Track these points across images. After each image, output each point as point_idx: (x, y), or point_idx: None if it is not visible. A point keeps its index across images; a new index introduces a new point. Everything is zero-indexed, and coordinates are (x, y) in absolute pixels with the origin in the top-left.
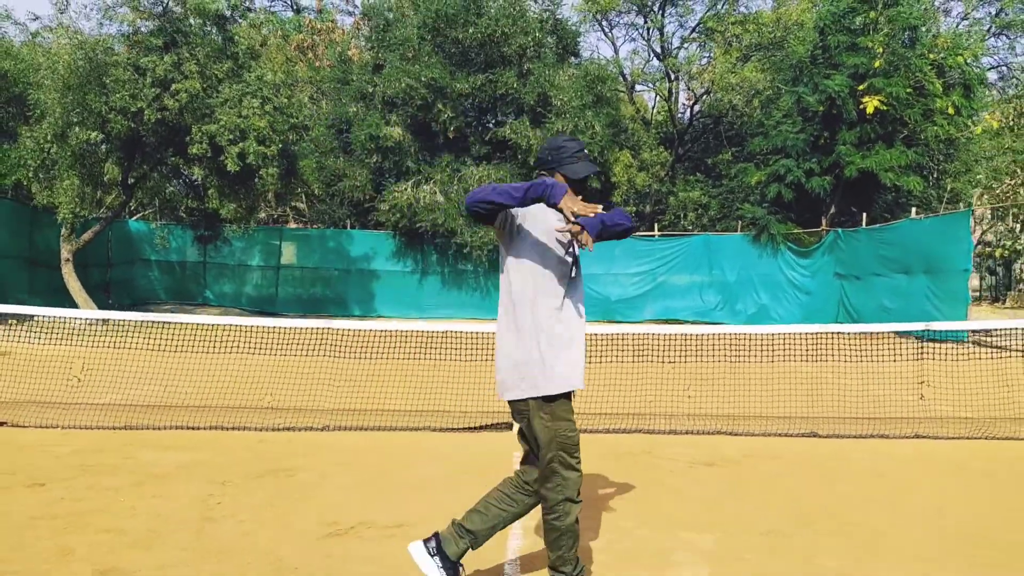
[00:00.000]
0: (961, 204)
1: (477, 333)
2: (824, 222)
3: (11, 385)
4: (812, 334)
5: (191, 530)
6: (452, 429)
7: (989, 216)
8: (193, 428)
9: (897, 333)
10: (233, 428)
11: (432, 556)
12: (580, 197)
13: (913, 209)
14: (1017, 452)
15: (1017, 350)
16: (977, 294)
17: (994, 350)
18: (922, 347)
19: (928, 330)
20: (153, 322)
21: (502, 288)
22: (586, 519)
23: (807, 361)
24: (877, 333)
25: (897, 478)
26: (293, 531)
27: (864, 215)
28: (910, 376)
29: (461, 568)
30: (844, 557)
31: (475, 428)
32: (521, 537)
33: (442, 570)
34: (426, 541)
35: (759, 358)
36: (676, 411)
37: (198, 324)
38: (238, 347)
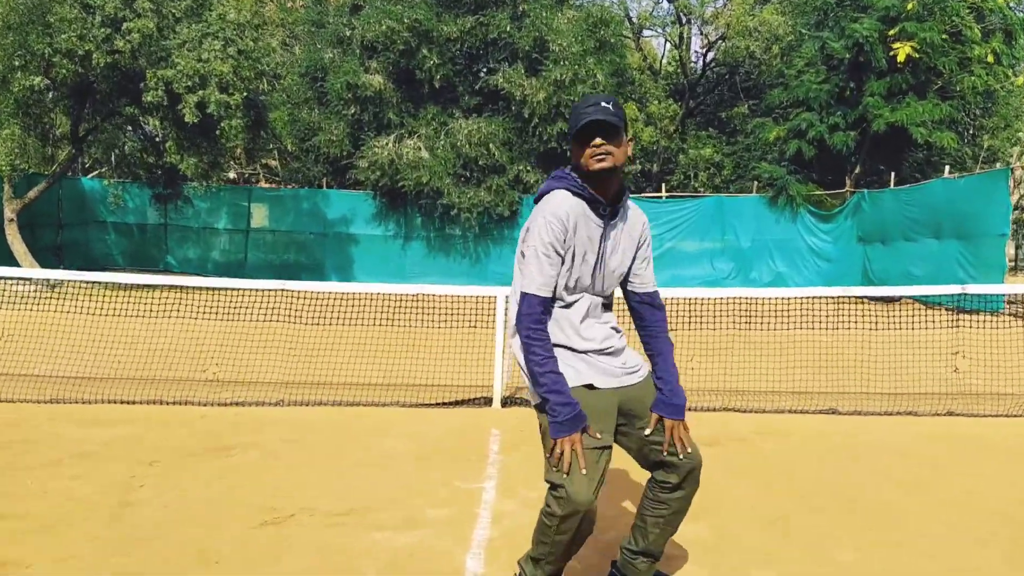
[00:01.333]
0: (999, 163)
1: (455, 297)
2: (848, 183)
3: None
4: (832, 298)
5: (105, 516)
6: (424, 404)
7: None
8: (128, 402)
9: (925, 302)
10: (173, 403)
11: None
12: (597, 148)
13: (947, 168)
14: None
15: None
16: (1013, 263)
17: None
18: (957, 317)
19: (964, 293)
20: (91, 283)
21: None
22: None
23: (827, 329)
24: (904, 299)
25: (923, 457)
26: (223, 518)
27: (892, 175)
28: (942, 347)
29: None
30: (859, 547)
31: (450, 403)
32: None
33: None
34: None
35: (772, 325)
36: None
37: (142, 285)
38: (185, 312)
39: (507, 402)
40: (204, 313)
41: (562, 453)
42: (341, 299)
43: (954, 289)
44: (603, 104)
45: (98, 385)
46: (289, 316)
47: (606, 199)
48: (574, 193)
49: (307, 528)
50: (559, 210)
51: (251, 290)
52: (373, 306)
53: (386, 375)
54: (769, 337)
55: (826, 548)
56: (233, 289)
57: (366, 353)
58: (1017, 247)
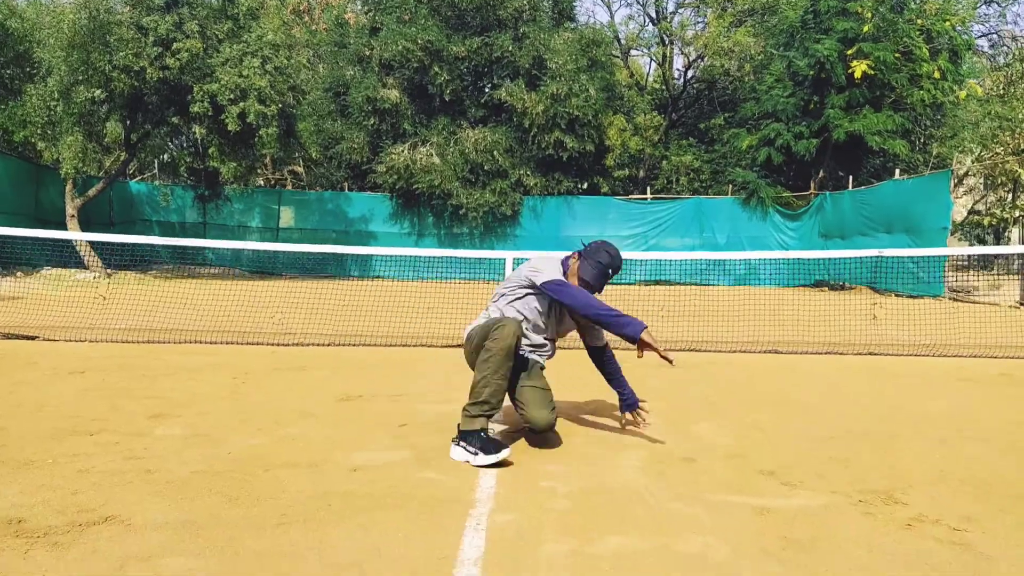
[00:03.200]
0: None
1: (471, 259)
2: (813, 186)
3: (34, 316)
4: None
5: (225, 397)
6: (450, 345)
7: (982, 187)
8: (211, 343)
9: (877, 288)
10: (247, 343)
11: (457, 445)
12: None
13: (896, 171)
14: (953, 364)
15: (992, 303)
16: (966, 262)
17: (971, 304)
18: (899, 301)
19: (881, 256)
20: (143, 271)
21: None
22: (563, 408)
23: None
24: (858, 286)
25: (837, 379)
26: (312, 398)
27: (851, 178)
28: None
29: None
30: (774, 420)
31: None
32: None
33: (469, 449)
34: (454, 441)
35: (728, 297)
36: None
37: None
38: (227, 289)
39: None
40: (248, 288)
41: None
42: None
43: (872, 252)
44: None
45: (181, 334)
46: (326, 290)
47: None
48: None
49: (373, 402)
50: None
51: (289, 271)
52: (397, 288)
53: (415, 330)
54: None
55: (749, 416)
56: (283, 253)
57: (398, 315)
58: (971, 247)
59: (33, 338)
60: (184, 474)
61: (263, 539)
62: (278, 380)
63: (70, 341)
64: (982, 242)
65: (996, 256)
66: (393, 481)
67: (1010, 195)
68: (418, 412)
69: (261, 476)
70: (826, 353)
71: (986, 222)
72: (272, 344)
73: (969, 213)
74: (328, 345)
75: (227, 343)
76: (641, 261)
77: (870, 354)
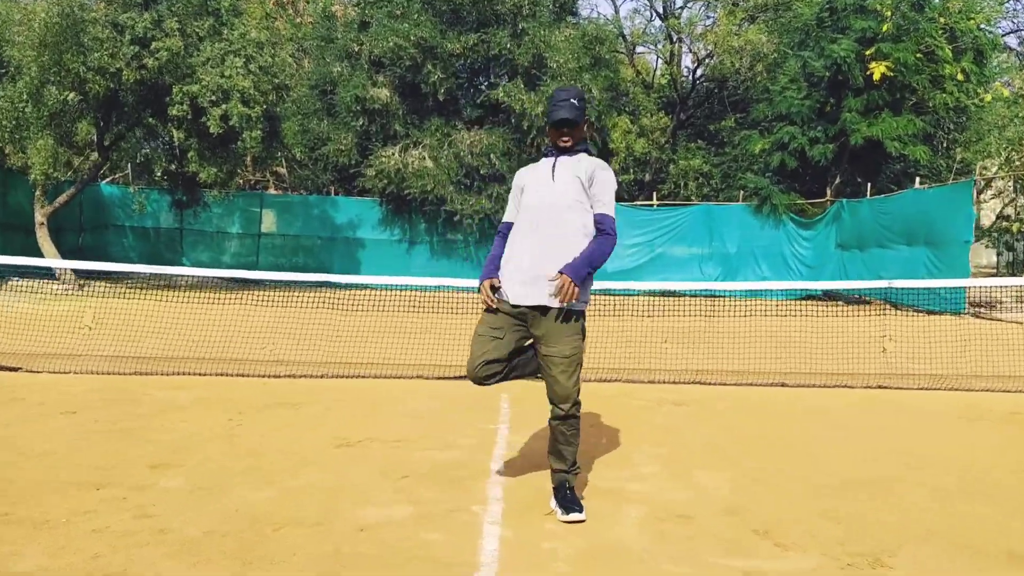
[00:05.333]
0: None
1: (461, 289)
2: (829, 193)
3: (11, 340)
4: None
5: (223, 440)
6: (444, 377)
7: (1011, 190)
8: (200, 374)
9: (895, 303)
10: (238, 375)
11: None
12: (564, 138)
13: (917, 179)
14: (964, 400)
15: (1016, 321)
16: (994, 270)
17: (992, 321)
18: (915, 316)
19: (891, 287)
20: (115, 280)
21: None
22: None
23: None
24: (876, 300)
25: (842, 416)
26: (309, 443)
27: (869, 185)
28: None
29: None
30: (774, 467)
31: (465, 377)
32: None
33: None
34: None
35: (734, 315)
36: (656, 366)
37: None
38: (208, 304)
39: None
40: (223, 304)
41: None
42: (363, 295)
43: (882, 284)
44: (571, 101)
45: (170, 363)
46: (311, 305)
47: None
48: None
49: (372, 449)
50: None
51: (265, 285)
52: (388, 299)
53: (408, 357)
54: (731, 325)
55: (751, 463)
56: (249, 282)
57: (390, 339)
58: (999, 254)
59: (16, 369)
60: (196, 534)
61: None
62: (273, 420)
63: (54, 373)
64: (1010, 249)
65: None
66: (399, 542)
67: None
68: (418, 461)
69: (271, 536)
70: (834, 387)
71: (1015, 228)
72: (263, 376)
73: (997, 218)
74: (321, 377)
75: (216, 374)
76: (647, 277)
77: (879, 387)
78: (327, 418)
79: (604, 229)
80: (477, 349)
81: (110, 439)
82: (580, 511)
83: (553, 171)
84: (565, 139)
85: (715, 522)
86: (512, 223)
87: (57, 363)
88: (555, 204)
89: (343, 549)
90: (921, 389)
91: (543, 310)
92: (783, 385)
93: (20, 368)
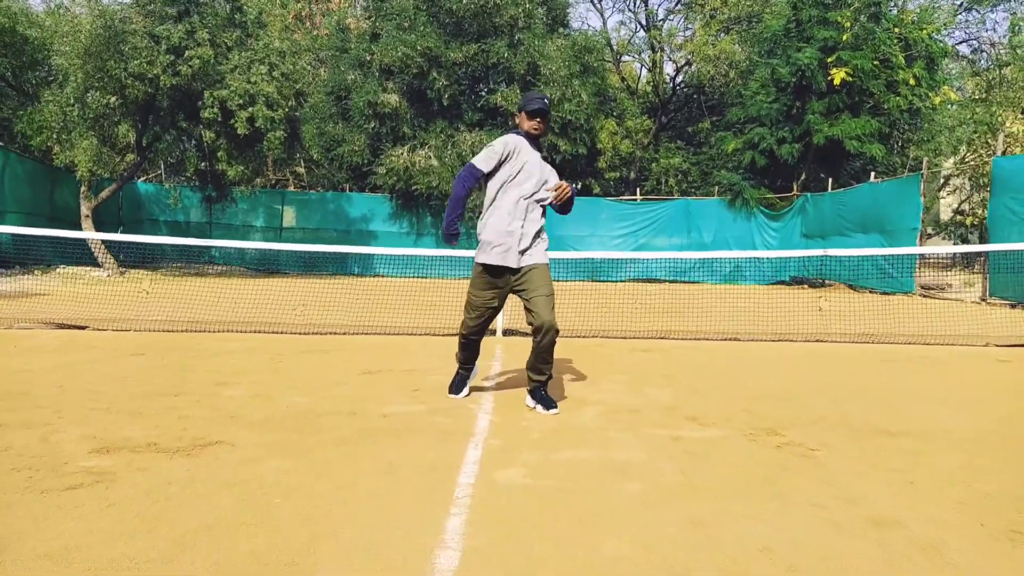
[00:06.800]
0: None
1: (465, 256)
2: (795, 188)
3: (71, 310)
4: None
5: (268, 371)
6: (451, 334)
7: (967, 187)
8: (244, 331)
9: (853, 285)
10: (275, 332)
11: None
12: (537, 127)
13: (872, 173)
14: (891, 349)
15: (958, 299)
16: (951, 260)
17: (938, 300)
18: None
19: (826, 255)
20: (153, 269)
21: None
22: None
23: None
24: (837, 283)
25: (780, 360)
26: (340, 372)
27: (831, 180)
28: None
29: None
30: (713, 387)
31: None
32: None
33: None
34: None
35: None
36: (633, 328)
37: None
38: (237, 286)
39: (507, 332)
40: (251, 287)
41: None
42: (374, 282)
43: (818, 252)
44: (545, 100)
45: (215, 324)
46: (330, 290)
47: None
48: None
49: (390, 375)
50: (508, 138)
51: (287, 272)
52: (399, 286)
53: (420, 322)
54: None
55: (695, 384)
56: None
57: (401, 310)
58: (955, 245)
59: (83, 327)
60: (259, 418)
61: (329, 452)
62: (308, 360)
63: (118, 331)
64: (965, 241)
65: (978, 254)
66: (414, 421)
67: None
68: (428, 381)
69: (316, 419)
70: (779, 341)
71: (968, 221)
72: (296, 333)
73: (955, 213)
74: (345, 334)
75: (257, 331)
76: (630, 260)
77: (817, 341)
78: (354, 359)
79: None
80: (474, 321)
81: (177, 371)
82: (556, 406)
83: (540, 167)
84: (538, 128)
85: (656, 413)
86: (484, 173)
87: (119, 324)
88: (538, 195)
89: (373, 425)
90: (852, 342)
91: (533, 266)
92: (735, 339)
93: (87, 327)
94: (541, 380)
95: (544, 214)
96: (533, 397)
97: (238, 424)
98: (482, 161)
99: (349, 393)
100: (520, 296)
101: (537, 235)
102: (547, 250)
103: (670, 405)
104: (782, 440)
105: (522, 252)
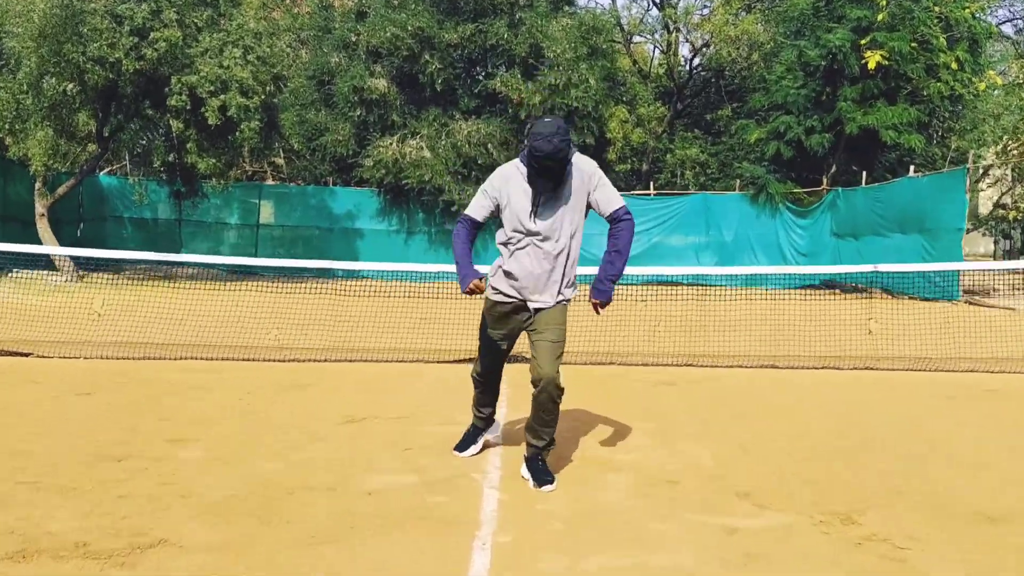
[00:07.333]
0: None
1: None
2: (825, 181)
3: (19, 328)
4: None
5: (235, 418)
6: (443, 361)
7: (1009, 179)
8: (209, 359)
9: (892, 291)
10: (244, 360)
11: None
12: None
13: (911, 167)
14: (951, 379)
15: (1009, 308)
16: (991, 258)
17: (986, 308)
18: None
19: (876, 272)
20: (115, 273)
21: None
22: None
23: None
24: (874, 289)
25: (827, 394)
26: (318, 419)
27: (864, 174)
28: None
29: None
30: (759, 439)
31: (464, 360)
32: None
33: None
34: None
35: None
36: (653, 351)
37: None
38: (206, 294)
39: (511, 359)
40: (224, 294)
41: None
42: (359, 284)
43: (867, 268)
44: (555, 141)
45: (175, 349)
46: (311, 295)
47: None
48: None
49: (377, 424)
50: (499, 171)
51: (264, 276)
52: (386, 289)
53: (408, 343)
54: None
55: (736, 435)
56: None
57: (390, 325)
58: (996, 242)
59: (27, 355)
60: (216, 498)
61: (296, 557)
62: (283, 400)
63: (65, 358)
64: (1007, 236)
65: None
66: (405, 504)
67: None
68: (420, 435)
69: (286, 499)
70: (823, 368)
71: (1011, 216)
72: (270, 360)
73: (995, 207)
74: (326, 360)
75: (224, 359)
76: (643, 265)
77: (866, 368)
78: (334, 399)
79: None
80: (489, 361)
81: (127, 417)
82: (552, 482)
83: (535, 199)
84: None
85: (699, 486)
86: (479, 222)
87: (67, 349)
88: (550, 237)
89: (354, 510)
90: (906, 370)
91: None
92: (773, 367)
93: (31, 353)
94: (538, 447)
95: (568, 257)
96: (528, 466)
97: (189, 508)
98: (474, 208)
99: (327, 455)
100: (528, 337)
101: (549, 276)
102: (570, 286)
103: (714, 473)
104: (861, 533)
105: (533, 292)
